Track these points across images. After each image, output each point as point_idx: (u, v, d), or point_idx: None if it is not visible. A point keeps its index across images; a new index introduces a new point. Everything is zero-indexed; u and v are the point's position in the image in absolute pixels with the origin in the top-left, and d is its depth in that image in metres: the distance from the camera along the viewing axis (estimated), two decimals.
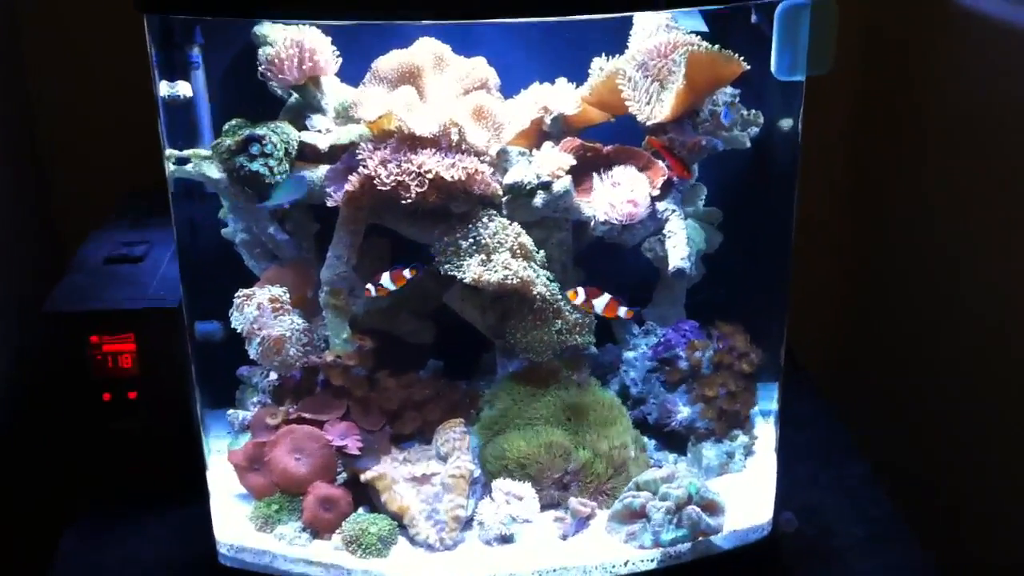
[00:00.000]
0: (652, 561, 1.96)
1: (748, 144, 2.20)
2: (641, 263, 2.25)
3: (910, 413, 2.78)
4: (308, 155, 2.13)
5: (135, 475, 2.22)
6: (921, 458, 2.70)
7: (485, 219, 2.05)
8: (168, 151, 1.92)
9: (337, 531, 1.95)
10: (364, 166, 2.00)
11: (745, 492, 2.11)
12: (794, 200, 2.07)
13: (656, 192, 2.14)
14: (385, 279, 2.02)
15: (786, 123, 2.08)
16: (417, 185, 1.98)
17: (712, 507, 2.01)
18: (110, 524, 2.20)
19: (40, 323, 2.13)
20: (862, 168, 3.03)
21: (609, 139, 2.20)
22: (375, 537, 1.91)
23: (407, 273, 2.03)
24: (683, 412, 2.18)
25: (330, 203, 2.03)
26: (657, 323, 2.30)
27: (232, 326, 2.00)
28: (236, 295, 2.01)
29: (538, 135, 2.21)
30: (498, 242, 2.03)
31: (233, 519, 2.00)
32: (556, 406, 2.12)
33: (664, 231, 2.13)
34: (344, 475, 2.01)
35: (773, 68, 1.92)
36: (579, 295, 2.01)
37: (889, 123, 2.89)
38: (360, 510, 2.00)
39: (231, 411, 2.14)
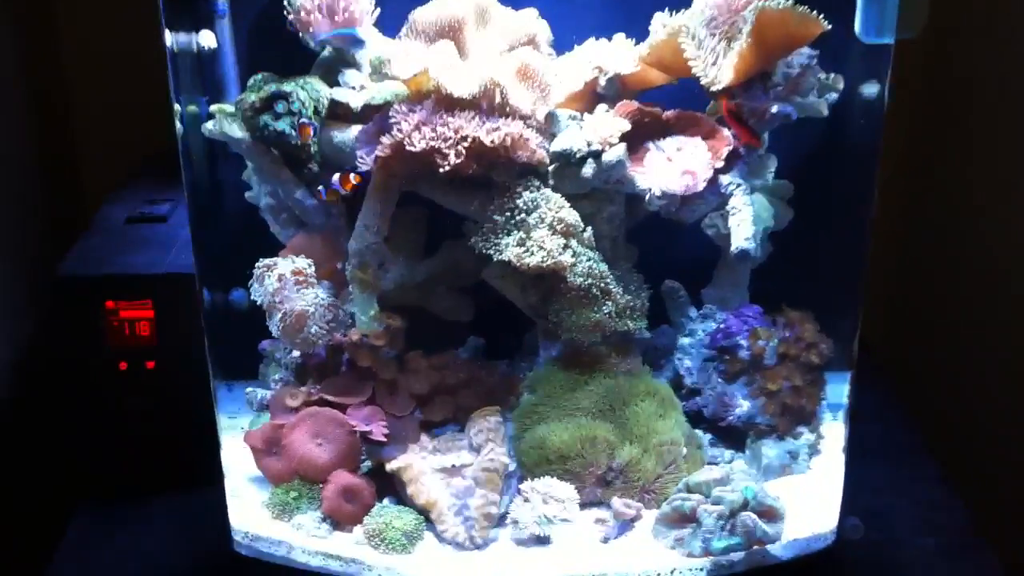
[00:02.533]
0: (701, 571, 1.85)
1: (826, 112, 2.05)
2: (701, 241, 2.13)
3: (980, 411, 2.61)
4: (341, 115, 2.03)
5: (150, 454, 2.17)
6: (993, 459, 2.54)
7: (524, 190, 1.94)
8: (177, 107, 1.83)
9: (359, 524, 1.90)
10: (397, 129, 1.89)
11: (808, 496, 2.00)
12: (875, 175, 1.93)
13: (720, 163, 2.01)
14: (335, 180, 1.94)
15: (870, 90, 1.94)
16: (454, 153, 1.87)
17: (770, 513, 1.89)
18: (121, 507, 2.16)
19: (53, 287, 2.07)
20: (920, 144, 2.84)
21: (671, 104, 2.07)
22: (399, 532, 1.86)
23: (353, 178, 1.94)
24: (742, 406, 2.06)
25: (361, 168, 1.93)
26: (717, 307, 2.17)
27: (252, 298, 1.92)
28: (256, 265, 1.93)
29: (591, 98, 2.08)
30: (538, 217, 1.92)
31: (249, 505, 1.97)
32: (601, 395, 2.02)
33: (727, 207, 2.01)
34: (368, 464, 1.96)
35: (858, 29, 1.77)
36: None
37: (952, 97, 2.71)
38: (385, 502, 1.96)
39: (249, 389, 2.07)
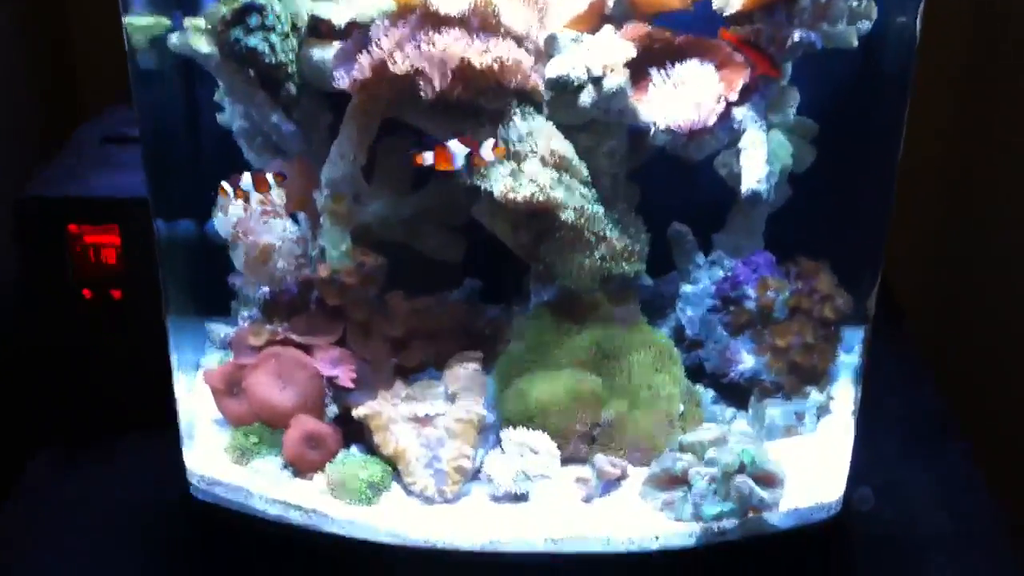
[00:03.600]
0: (690, 537, 1.74)
1: (855, 43, 1.90)
2: (713, 181, 2.00)
3: (1015, 382, 2.45)
4: (324, 32, 1.92)
5: (115, 391, 2.09)
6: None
7: (517, 118, 1.81)
8: (127, 19, 1.72)
9: (322, 472, 1.81)
10: (378, 47, 1.77)
11: (814, 462, 1.88)
12: (904, 115, 1.77)
13: (734, 95, 1.87)
14: (245, 180, 1.79)
15: (903, 20, 1.78)
16: (439, 74, 1.74)
17: (769, 479, 1.77)
18: (82, 449, 2.10)
19: (14, 209, 1.99)
20: (972, 94, 2.66)
21: (688, 29, 1.92)
22: (364, 483, 1.77)
23: (270, 178, 1.80)
24: (747, 362, 1.94)
25: (337, 85, 1.81)
26: (728, 253, 2.04)
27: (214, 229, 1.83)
28: (220, 193, 1.83)
29: (599, 21, 1.94)
30: (528, 147, 1.79)
31: (210, 449, 1.89)
32: (593, 346, 1.91)
33: (740, 144, 1.87)
34: (335, 409, 1.87)
35: None
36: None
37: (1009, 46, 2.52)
38: (352, 450, 1.87)
39: (211, 325, 1.98)
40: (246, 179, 1.78)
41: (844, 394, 1.97)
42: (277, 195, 1.84)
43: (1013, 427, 2.41)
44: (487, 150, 1.75)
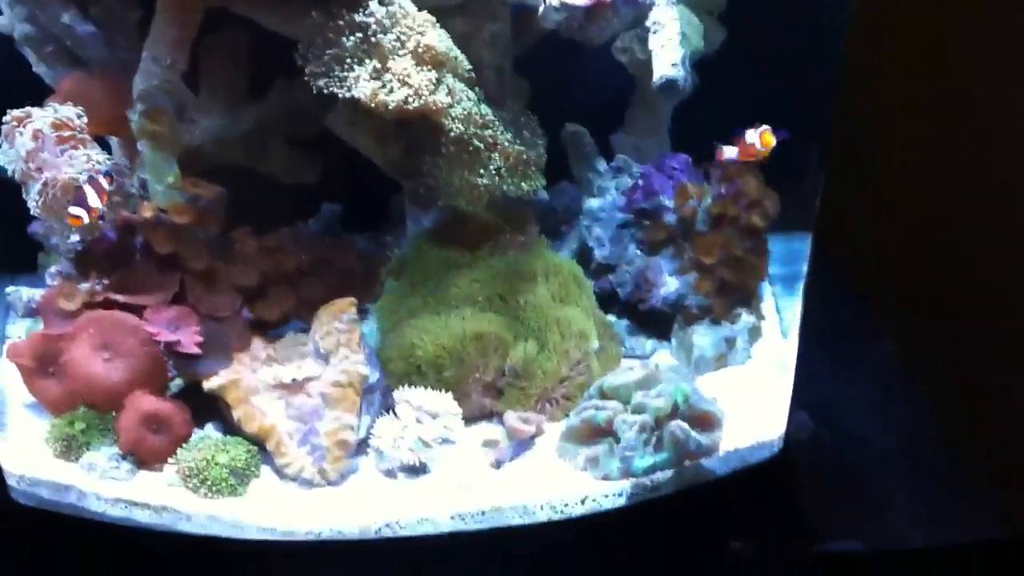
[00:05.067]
0: (620, 496, 1.57)
1: None
2: (611, 70, 1.81)
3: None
4: None
5: None
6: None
7: (375, 3, 1.53)
8: None
9: (171, 460, 1.54)
10: None
11: (749, 393, 1.73)
12: None
13: None
14: (91, 197, 1.49)
15: None
16: None
17: (706, 420, 1.62)
18: None
19: None
20: None
21: None
22: (225, 469, 1.56)
23: (105, 182, 1.52)
24: (668, 285, 1.76)
25: None
26: (633, 157, 1.81)
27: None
28: (3, 119, 1.50)
29: None
30: (395, 40, 1.49)
31: (27, 441, 1.60)
32: (487, 279, 1.71)
33: (647, 23, 1.66)
34: (179, 382, 1.62)
35: None
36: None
37: None
38: (209, 429, 1.63)
39: (11, 289, 1.65)
40: (90, 195, 1.48)
41: (774, 313, 1.80)
42: (76, 115, 1.49)
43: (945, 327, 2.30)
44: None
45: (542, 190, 1.78)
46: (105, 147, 1.72)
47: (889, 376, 1.93)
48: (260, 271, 1.63)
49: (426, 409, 1.58)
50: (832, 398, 1.86)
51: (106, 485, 1.56)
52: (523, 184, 1.66)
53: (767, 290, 1.86)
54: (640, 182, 1.77)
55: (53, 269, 1.69)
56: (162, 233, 1.55)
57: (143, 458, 1.57)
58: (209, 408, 1.63)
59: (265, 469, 1.59)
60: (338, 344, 1.59)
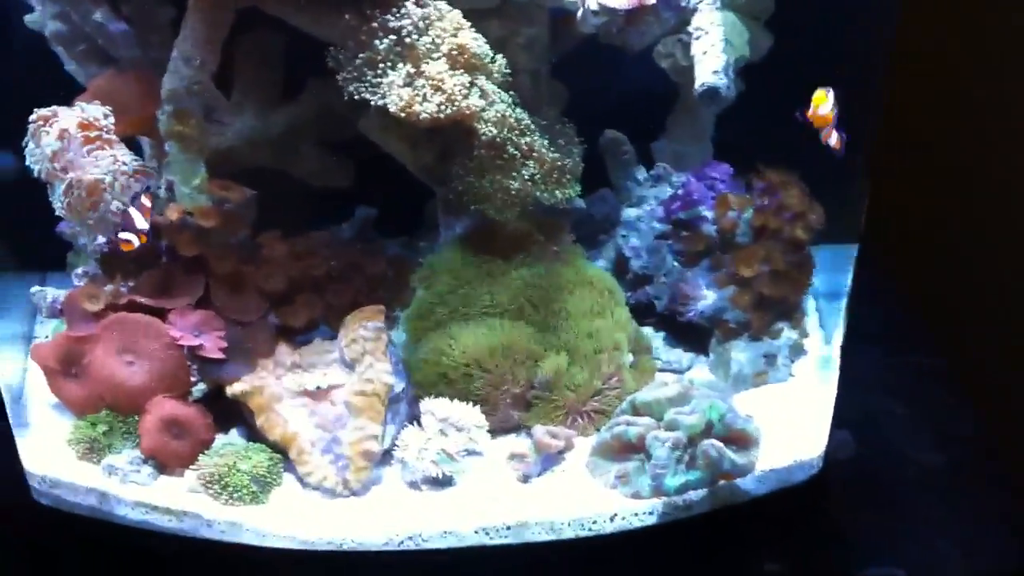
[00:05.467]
0: (651, 515, 1.54)
1: None
2: (652, 76, 1.78)
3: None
4: None
5: None
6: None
7: (410, 3, 1.50)
8: None
9: (193, 466, 1.53)
10: None
11: (790, 412, 1.68)
12: None
13: None
14: (138, 220, 1.47)
15: None
16: None
17: (741, 438, 1.58)
18: None
19: None
20: None
21: None
22: (246, 476, 1.54)
23: (146, 200, 1.50)
24: (706, 298, 1.72)
25: None
26: (673, 165, 1.78)
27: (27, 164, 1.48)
28: (31, 118, 1.52)
29: None
30: (430, 43, 1.47)
31: (50, 442, 1.60)
32: (520, 288, 1.69)
33: (689, 28, 1.63)
34: (203, 387, 1.61)
35: None
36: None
37: None
38: (230, 436, 1.61)
39: (36, 288, 1.65)
40: (137, 218, 1.46)
41: (818, 329, 1.76)
42: (103, 115, 1.48)
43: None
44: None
45: (578, 198, 1.76)
46: (137, 149, 1.72)
47: (936, 392, 1.88)
48: (287, 276, 1.61)
49: (451, 421, 1.56)
50: (876, 415, 1.81)
51: (127, 489, 1.53)
52: (557, 192, 1.62)
53: (811, 305, 1.82)
54: (679, 192, 1.74)
55: (80, 270, 1.69)
56: (187, 236, 1.54)
57: (164, 463, 1.56)
58: (234, 414, 1.62)
59: (288, 477, 1.57)
60: (363, 352, 1.57)
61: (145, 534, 1.54)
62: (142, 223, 1.49)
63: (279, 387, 1.57)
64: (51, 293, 1.71)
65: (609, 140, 1.80)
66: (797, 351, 1.75)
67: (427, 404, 1.57)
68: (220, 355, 1.55)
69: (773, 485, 1.61)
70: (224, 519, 1.51)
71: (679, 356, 1.76)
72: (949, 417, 1.83)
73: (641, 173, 1.82)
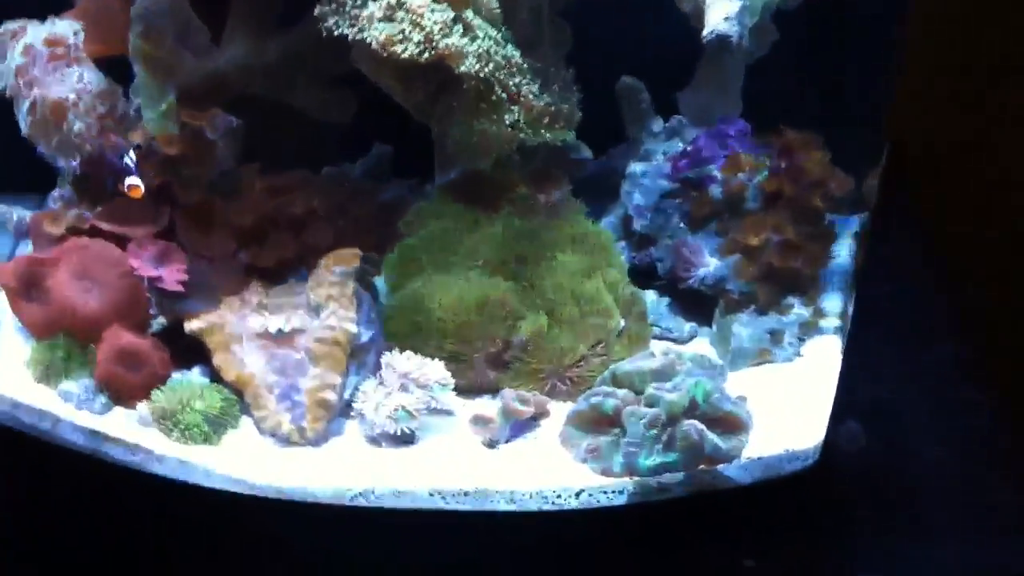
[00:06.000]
0: (620, 494, 1.43)
1: None
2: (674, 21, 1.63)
3: None
4: None
5: None
6: None
7: None
8: None
9: (146, 400, 1.49)
10: None
11: (790, 395, 1.55)
12: None
13: None
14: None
15: None
16: None
17: (728, 422, 1.47)
18: None
19: None
20: None
21: None
22: (199, 415, 1.49)
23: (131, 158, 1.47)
24: (708, 264, 1.58)
25: None
26: (697, 119, 1.64)
27: None
28: None
29: None
30: None
31: (11, 363, 1.58)
32: (507, 241, 1.58)
33: None
34: (163, 321, 1.55)
35: None
36: None
37: None
38: (195, 373, 1.56)
39: (3, 208, 1.61)
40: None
41: (839, 307, 1.61)
42: (72, 32, 1.43)
43: None
44: None
45: (583, 149, 1.65)
46: None
47: (950, 384, 1.70)
48: (257, 212, 1.54)
49: (412, 377, 1.48)
50: (881, 405, 1.66)
51: (79, 415, 1.50)
52: (545, 135, 1.51)
53: (833, 282, 1.67)
54: (689, 148, 1.61)
55: (56, 192, 1.65)
56: (151, 163, 1.49)
57: (119, 394, 1.53)
58: (197, 352, 1.55)
59: (247, 422, 1.52)
60: (328, 297, 1.49)
61: (97, 463, 1.49)
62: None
63: (240, 327, 1.50)
64: (17, 213, 1.68)
65: (625, 87, 1.68)
66: (809, 330, 1.60)
67: (388, 357, 1.49)
68: (179, 288, 1.50)
69: (759, 474, 1.47)
70: (174, 456, 1.46)
71: (680, 326, 1.64)
72: (968, 411, 1.67)
73: (657, 125, 1.70)
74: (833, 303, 1.65)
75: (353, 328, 1.47)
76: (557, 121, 1.52)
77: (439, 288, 1.52)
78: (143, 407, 1.51)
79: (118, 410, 1.54)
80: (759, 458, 1.47)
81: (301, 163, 1.70)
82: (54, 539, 1.57)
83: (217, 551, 1.55)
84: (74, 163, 1.57)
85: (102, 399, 1.52)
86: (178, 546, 1.55)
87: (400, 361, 1.47)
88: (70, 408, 1.52)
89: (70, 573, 1.57)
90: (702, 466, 1.46)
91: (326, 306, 1.49)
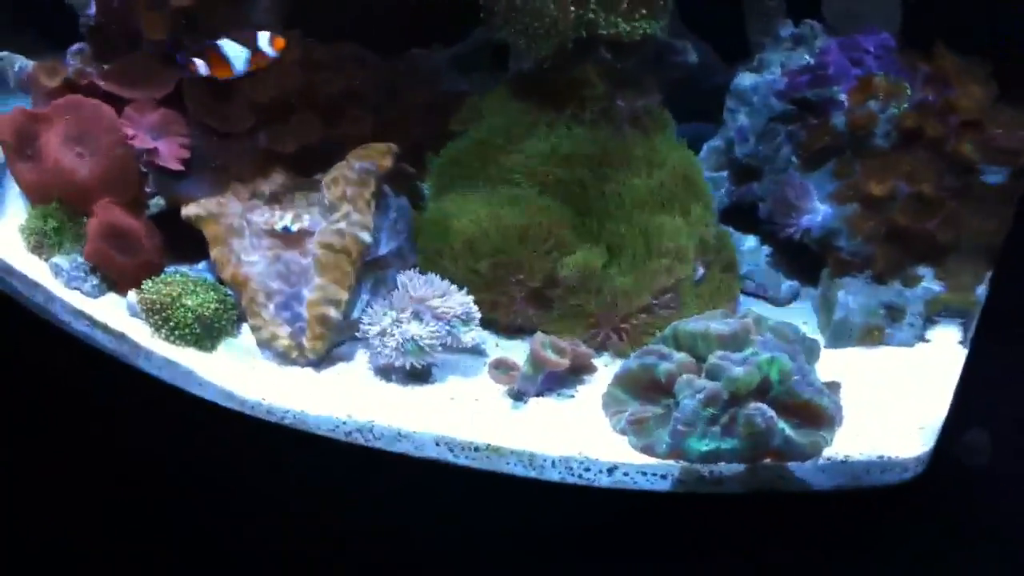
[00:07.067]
0: (663, 479, 1.20)
1: None
2: None
3: None
4: None
5: None
6: None
7: None
8: None
9: (136, 286, 1.34)
10: None
11: (901, 387, 1.32)
12: None
13: None
14: (263, 42, 1.30)
15: None
16: None
17: (807, 412, 1.25)
18: None
19: None
20: None
21: None
22: (190, 314, 1.32)
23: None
24: (817, 211, 1.29)
25: None
26: (843, 27, 1.35)
27: None
28: None
29: None
30: None
31: (8, 226, 1.46)
32: (568, 153, 1.32)
33: None
34: (160, 200, 1.38)
35: None
36: None
37: None
38: (201, 267, 1.40)
39: (4, 53, 1.45)
40: (263, 40, 1.32)
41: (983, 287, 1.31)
42: None
43: None
44: (265, 42, 1.29)
45: (692, 52, 1.37)
46: None
47: None
48: (284, 88, 1.34)
49: (430, 304, 1.28)
50: (1008, 417, 1.35)
51: (70, 295, 1.36)
52: (621, 24, 1.23)
53: (980, 254, 1.34)
54: (812, 61, 1.30)
55: (75, 47, 1.45)
56: (156, 16, 1.29)
57: (109, 275, 1.37)
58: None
59: (246, 329, 1.33)
60: (343, 197, 1.29)
61: (85, 347, 1.37)
62: (267, 48, 1.31)
63: (243, 219, 1.32)
64: (19, 62, 1.53)
65: None
66: (939, 310, 1.32)
67: (405, 277, 1.28)
68: (177, 165, 1.32)
69: (841, 481, 1.23)
70: (161, 355, 1.31)
71: (777, 282, 1.38)
72: None
73: (787, 30, 1.40)
74: (975, 280, 1.35)
75: (366, 236, 1.27)
76: (638, 7, 1.23)
77: (475, 202, 1.30)
78: (132, 296, 1.34)
79: (112, 296, 1.38)
80: (843, 461, 1.23)
81: (385, 40, 1.50)
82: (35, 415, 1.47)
83: (201, 461, 1.40)
84: (91, 11, 1.42)
85: (94, 280, 1.41)
86: (161, 447, 1.41)
87: (418, 284, 1.26)
88: (60, 284, 1.37)
89: (45, 454, 1.47)
90: (767, 460, 1.24)
91: (339, 206, 1.29)
